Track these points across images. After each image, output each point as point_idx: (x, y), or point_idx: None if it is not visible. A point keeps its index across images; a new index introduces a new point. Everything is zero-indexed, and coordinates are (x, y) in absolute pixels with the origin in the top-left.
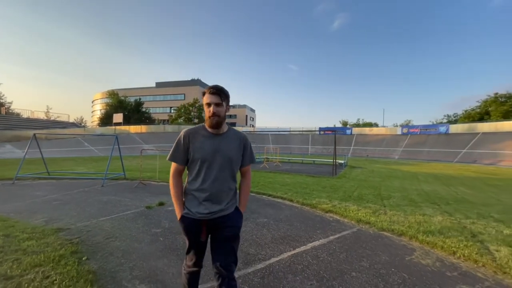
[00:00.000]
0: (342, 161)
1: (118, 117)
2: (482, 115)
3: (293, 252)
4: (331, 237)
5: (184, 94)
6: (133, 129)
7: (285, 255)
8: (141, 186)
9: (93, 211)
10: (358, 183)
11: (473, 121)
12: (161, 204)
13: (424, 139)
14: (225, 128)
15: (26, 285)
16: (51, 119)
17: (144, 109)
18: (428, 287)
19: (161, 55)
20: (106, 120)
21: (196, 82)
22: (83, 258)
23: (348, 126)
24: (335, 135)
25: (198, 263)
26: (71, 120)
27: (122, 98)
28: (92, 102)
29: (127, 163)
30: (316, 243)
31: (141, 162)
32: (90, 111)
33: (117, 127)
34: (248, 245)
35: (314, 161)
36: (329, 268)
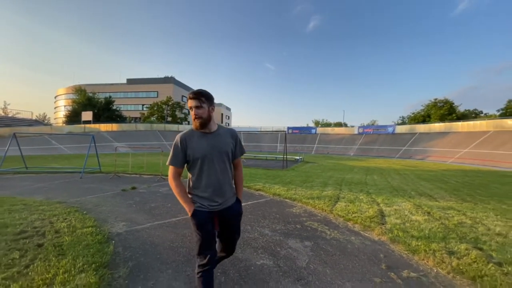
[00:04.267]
0: (298, 157)
1: (87, 115)
2: (424, 117)
3: None
4: (249, 203)
5: (157, 91)
6: (104, 127)
7: None
8: (116, 177)
9: (79, 193)
10: (299, 173)
11: (417, 122)
12: (133, 188)
13: (375, 138)
14: (215, 127)
15: (54, 220)
16: (9, 115)
17: (115, 107)
18: (286, 218)
19: (132, 54)
20: (73, 117)
21: (169, 80)
22: (84, 213)
23: (319, 125)
24: (285, 135)
25: (212, 257)
26: (34, 117)
27: (91, 94)
28: (55, 98)
29: (100, 160)
30: None
31: (115, 158)
32: (53, 108)
33: (87, 125)
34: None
35: (276, 157)
36: None
